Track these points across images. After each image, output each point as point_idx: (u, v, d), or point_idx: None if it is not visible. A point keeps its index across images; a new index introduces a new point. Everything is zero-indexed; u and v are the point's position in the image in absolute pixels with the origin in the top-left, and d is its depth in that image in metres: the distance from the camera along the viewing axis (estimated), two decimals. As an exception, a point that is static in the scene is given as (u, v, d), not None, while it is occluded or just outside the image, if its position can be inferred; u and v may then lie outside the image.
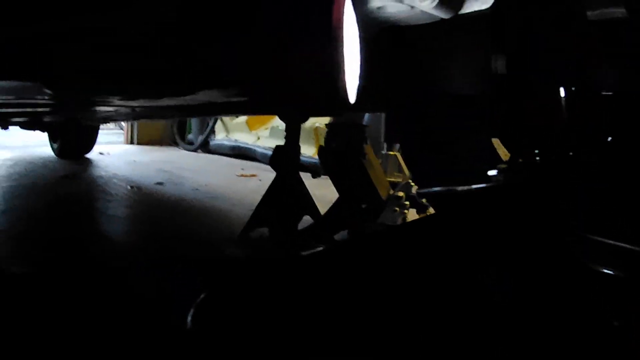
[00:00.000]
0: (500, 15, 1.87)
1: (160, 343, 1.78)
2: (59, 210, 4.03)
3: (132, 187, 4.91)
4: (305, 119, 1.94)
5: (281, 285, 1.92)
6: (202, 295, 1.65)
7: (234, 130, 7.77)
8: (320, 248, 2.63)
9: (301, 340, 1.63)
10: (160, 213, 4.08)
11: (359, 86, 1.45)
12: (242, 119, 7.43)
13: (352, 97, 1.36)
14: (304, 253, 2.48)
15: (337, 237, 3.05)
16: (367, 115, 4.90)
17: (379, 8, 1.43)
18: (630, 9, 1.79)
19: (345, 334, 1.67)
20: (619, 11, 1.81)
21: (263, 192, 3.04)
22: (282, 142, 2.97)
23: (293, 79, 1.31)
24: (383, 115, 3.42)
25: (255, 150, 7.15)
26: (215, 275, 2.36)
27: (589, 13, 1.86)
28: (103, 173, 5.74)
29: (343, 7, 1.25)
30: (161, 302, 2.11)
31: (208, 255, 2.90)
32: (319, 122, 5.56)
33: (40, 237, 3.22)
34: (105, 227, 3.63)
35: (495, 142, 2.72)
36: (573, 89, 2.13)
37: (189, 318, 1.56)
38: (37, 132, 6.43)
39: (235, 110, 3.85)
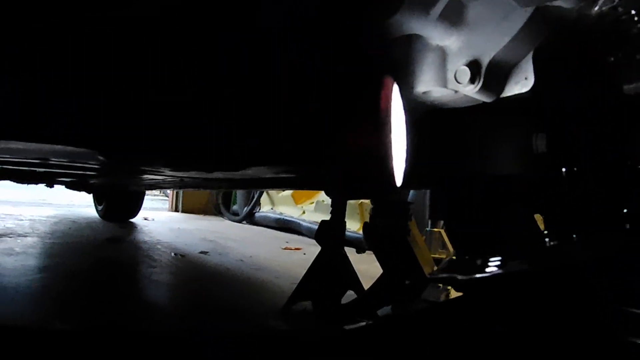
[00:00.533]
0: (540, 96, 1.90)
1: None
2: (101, 272, 4.08)
3: (176, 254, 4.94)
4: (352, 199, 1.99)
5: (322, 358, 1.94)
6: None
7: (279, 203, 7.81)
8: (363, 323, 2.65)
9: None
10: (204, 282, 4.10)
11: (406, 169, 1.49)
12: (288, 192, 7.47)
13: (399, 181, 1.39)
14: (347, 327, 2.50)
15: (380, 312, 3.07)
16: (411, 192, 4.93)
17: (424, 93, 1.48)
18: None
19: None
20: None
21: (307, 265, 3.07)
22: (327, 217, 3.01)
23: (342, 163, 1.35)
24: (428, 192, 3.45)
25: (300, 223, 7.15)
26: (260, 348, 2.38)
27: (625, 87, 1.88)
28: (147, 238, 5.79)
29: (391, 94, 1.29)
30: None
31: (252, 327, 2.92)
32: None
33: (82, 297, 3.25)
34: (147, 292, 3.66)
35: (538, 217, 2.74)
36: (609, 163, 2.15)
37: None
38: (83, 193, 6.49)
39: (282, 184, 3.90)
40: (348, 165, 1.34)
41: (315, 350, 2.08)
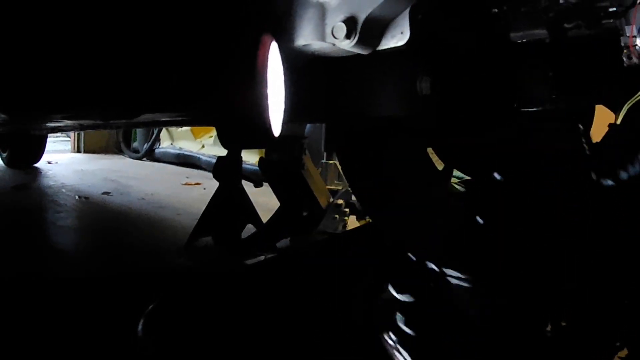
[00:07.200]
0: (424, 40, 1.99)
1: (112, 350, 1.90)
2: (10, 221, 4.13)
3: (80, 197, 4.96)
4: (232, 148, 2.07)
5: (224, 294, 2.02)
6: (151, 306, 1.75)
7: (178, 138, 7.74)
8: (262, 257, 2.75)
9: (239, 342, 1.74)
10: (108, 223, 4.15)
11: (284, 119, 1.56)
12: (187, 127, 7.40)
13: (276, 132, 1.46)
14: (247, 262, 2.59)
15: (279, 244, 3.16)
16: (308, 126, 4.98)
17: (304, 45, 1.54)
18: (552, 29, 1.91)
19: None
20: (541, 32, 1.93)
21: (207, 200, 3.13)
22: (225, 151, 3.09)
23: (222, 115, 1.42)
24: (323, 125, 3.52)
25: (199, 158, 7.15)
26: (164, 286, 2.46)
27: (512, 35, 1.98)
28: (52, 183, 5.75)
29: (268, 52, 1.37)
30: (113, 313, 2.19)
31: (156, 266, 2.98)
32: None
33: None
34: (55, 238, 3.70)
35: (431, 151, 2.85)
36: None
37: (140, 327, 1.66)
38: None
39: (179, 123, 3.93)
40: (227, 117, 1.41)
41: (217, 285, 2.16)
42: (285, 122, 1.55)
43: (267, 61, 1.37)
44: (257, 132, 1.41)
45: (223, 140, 1.52)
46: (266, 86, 1.36)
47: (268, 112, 1.37)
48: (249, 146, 2.75)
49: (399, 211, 2.62)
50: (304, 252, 2.83)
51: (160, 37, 1.49)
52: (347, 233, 3.34)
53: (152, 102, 1.64)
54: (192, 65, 1.47)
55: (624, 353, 1.88)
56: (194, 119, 2.06)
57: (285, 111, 1.56)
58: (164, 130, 7.89)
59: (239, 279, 2.29)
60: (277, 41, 1.45)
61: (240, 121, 1.41)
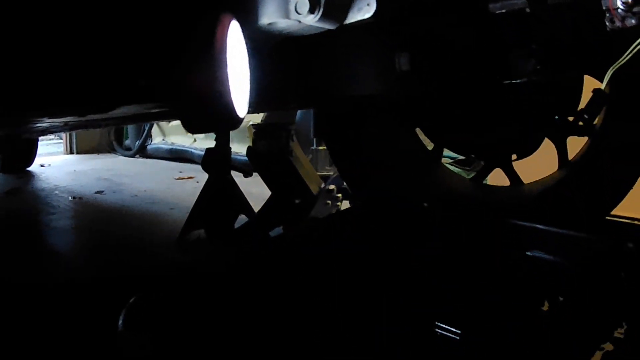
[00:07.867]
0: (400, 16, 1.95)
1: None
2: (4, 226, 4.14)
3: (73, 197, 4.95)
4: (196, 132, 2.02)
5: (212, 286, 1.99)
6: (132, 299, 1.72)
7: (170, 133, 7.71)
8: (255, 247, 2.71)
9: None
10: (101, 222, 4.12)
11: (250, 100, 1.52)
12: (178, 121, 7.34)
13: (242, 113, 1.43)
14: (239, 253, 2.56)
15: (272, 233, 3.13)
16: (298, 112, 4.95)
17: (269, 24, 1.51)
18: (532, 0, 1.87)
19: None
20: (520, 2, 1.89)
21: (200, 194, 3.13)
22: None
23: (183, 99, 1.38)
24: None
25: (192, 152, 7.13)
26: (151, 281, 2.43)
27: (490, 6, 1.94)
28: (45, 185, 5.75)
29: (227, 31, 1.33)
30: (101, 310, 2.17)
31: (148, 262, 2.96)
32: (253, 120, 5.55)
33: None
34: (49, 240, 3.69)
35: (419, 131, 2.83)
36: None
37: (120, 321, 1.64)
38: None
39: (163, 117, 3.91)
40: (187, 101, 1.37)
41: (211, 278, 2.13)
42: (252, 104, 1.52)
43: (225, 41, 1.33)
44: (220, 114, 1.37)
45: (186, 124, 1.48)
46: (226, 67, 1.32)
47: (230, 94, 1.34)
48: (213, 129, 2.72)
49: (380, 190, 2.60)
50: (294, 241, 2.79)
51: (107, 21, 1.46)
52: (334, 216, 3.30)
53: (102, 93, 1.61)
54: (147, 49, 1.44)
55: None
56: (159, 107, 2.02)
57: (251, 92, 1.53)
58: (155, 126, 7.88)
59: (229, 269, 2.25)
60: (239, 21, 1.42)
61: (201, 104, 1.37)
